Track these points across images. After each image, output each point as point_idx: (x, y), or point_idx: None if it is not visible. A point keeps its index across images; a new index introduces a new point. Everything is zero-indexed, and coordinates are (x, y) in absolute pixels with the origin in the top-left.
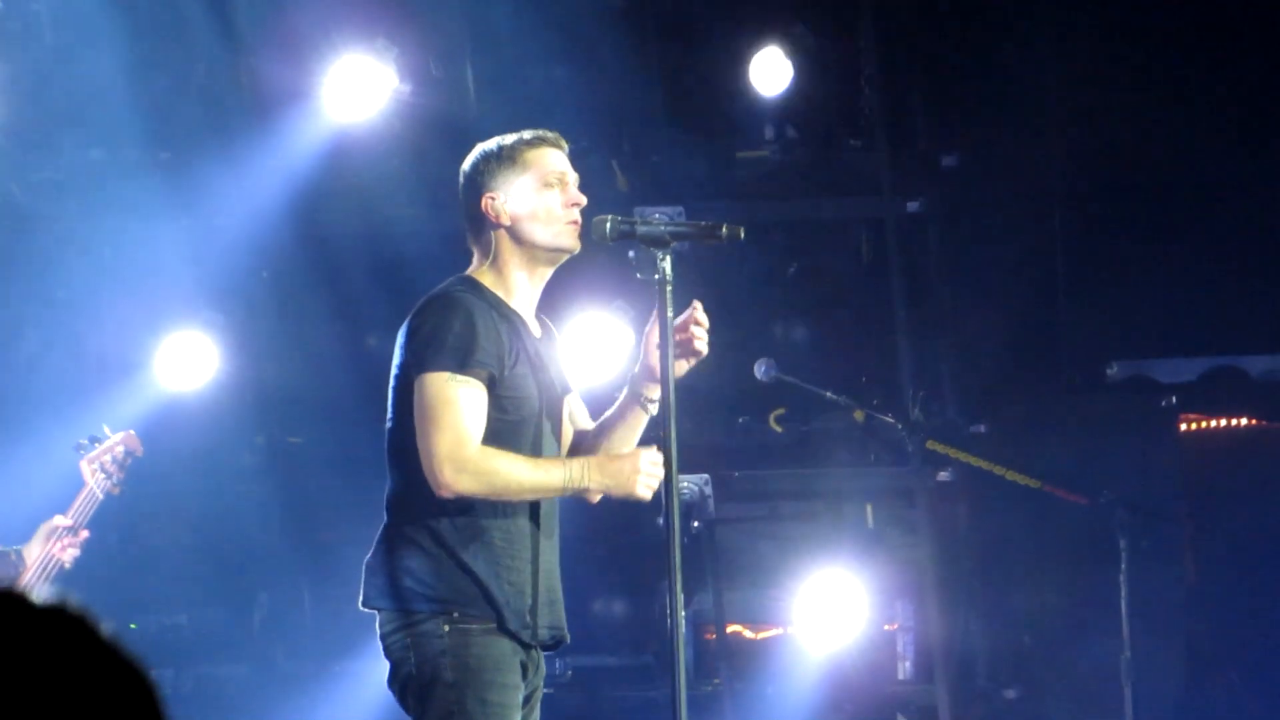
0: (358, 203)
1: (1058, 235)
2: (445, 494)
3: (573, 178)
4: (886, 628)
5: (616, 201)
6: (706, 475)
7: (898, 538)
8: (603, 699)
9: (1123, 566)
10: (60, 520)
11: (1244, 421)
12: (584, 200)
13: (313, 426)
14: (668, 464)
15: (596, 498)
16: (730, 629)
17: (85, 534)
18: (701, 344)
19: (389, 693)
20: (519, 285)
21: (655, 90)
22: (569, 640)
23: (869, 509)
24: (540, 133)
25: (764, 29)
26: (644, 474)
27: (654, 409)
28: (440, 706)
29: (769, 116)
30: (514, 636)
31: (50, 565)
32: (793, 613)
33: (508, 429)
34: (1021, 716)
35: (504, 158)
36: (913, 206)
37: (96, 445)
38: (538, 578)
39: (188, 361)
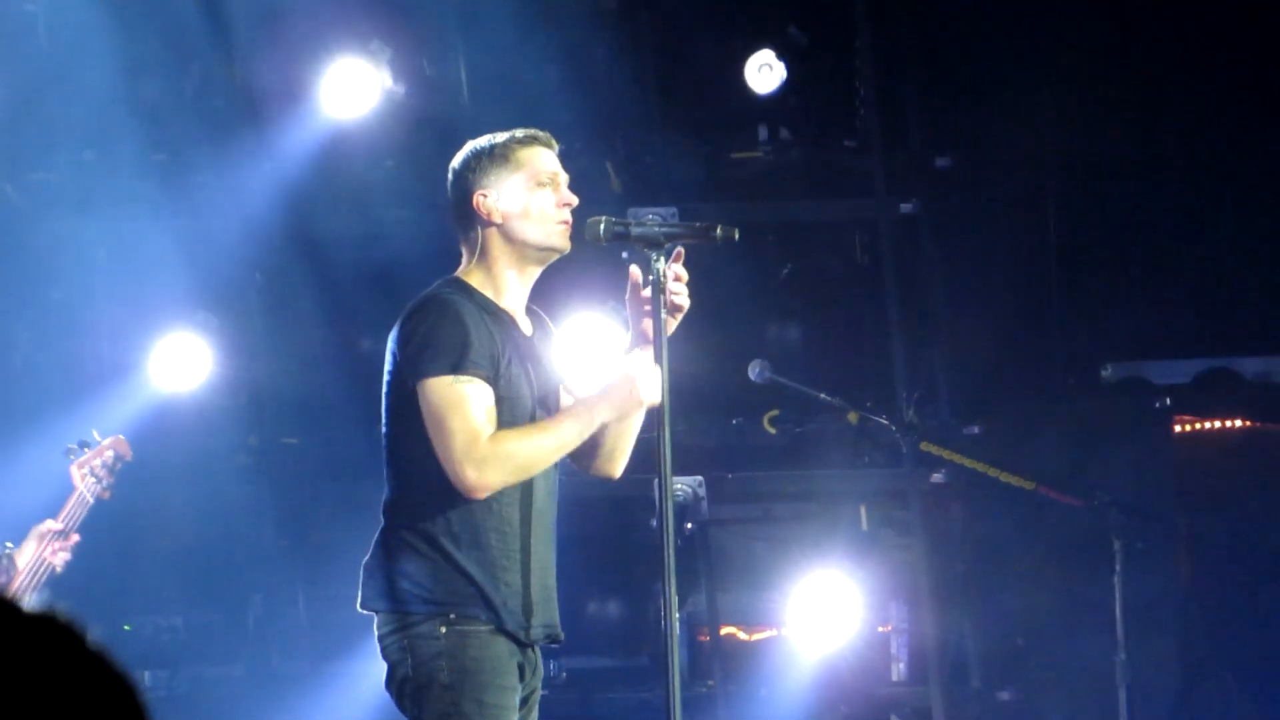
0: (351, 204)
1: (1052, 236)
2: (479, 495)
3: (564, 178)
4: (880, 629)
5: (610, 202)
6: (700, 477)
7: (892, 539)
8: (597, 701)
9: (1117, 568)
10: (51, 524)
11: (1238, 423)
12: (575, 200)
13: (307, 428)
14: (662, 466)
15: (625, 436)
16: (725, 630)
17: (76, 538)
18: (682, 299)
19: (384, 694)
20: (509, 284)
21: (649, 91)
22: (563, 639)
23: (863, 511)
24: (532, 132)
25: (757, 30)
26: (643, 380)
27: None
28: (436, 708)
29: (762, 117)
30: (511, 636)
31: (41, 569)
32: (787, 614)
33: (503, 429)
34: (1016, 718)
35: (496, 155)
36: (906, 208)
37: (86, 450)
38: (532, 576)
39: (182, 363)
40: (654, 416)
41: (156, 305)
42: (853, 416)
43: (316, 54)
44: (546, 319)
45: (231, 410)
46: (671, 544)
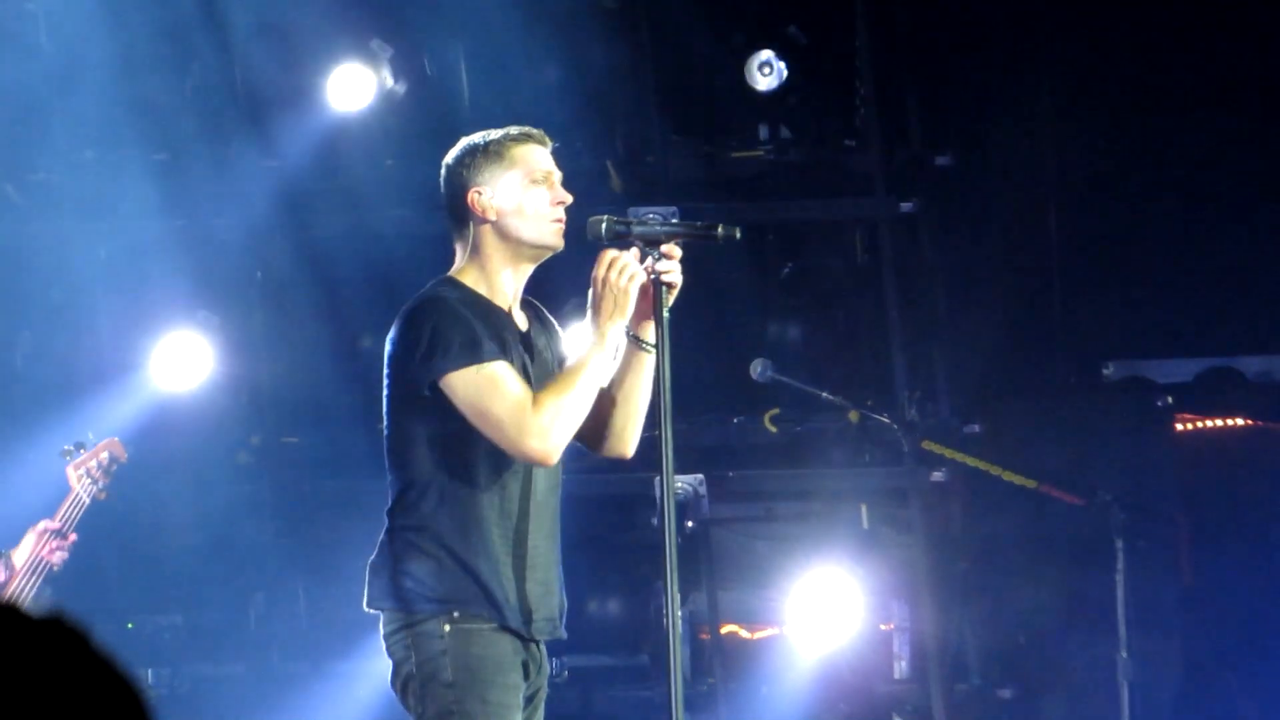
0: (352, 203)
1: (1053, 235)
2: (551, 462)
3: (558, 175)
4: (882, 627)
5: (611, 201)
6: (701, 475)
7: (893, 538)
8: (597, 699)
9: (1119, 567)
10: (48, 523)
11: (1240, 421)
12: (569, 198)
13: (307, 426)
14: (664, 464)
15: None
16: (726, 629)
17: (73, 537)
18: (673, 276)
19: (385, 692)
20: (502, 281)
21: (649, 90)
22: (564, 636)
23: (863, 509)
24: (525, 129)
25: (758, 29)
26: (616, 278)
27: (651, 348)
28: (440, 706)
29: (763, 116)
30: (515, 633)
31: (39, 568)
32: (788, 613)
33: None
34: (1017, 716)
35: (490, 153)
36: (907, 206)
37: (82, 451)
38: (535, 571)
39: (182, 362)
40: (655, 415)
41: (157, 305)
42: (853, 415)
43: (317, 53)
44: (542, 309)
45: (232, 409)
46: (673, 542)
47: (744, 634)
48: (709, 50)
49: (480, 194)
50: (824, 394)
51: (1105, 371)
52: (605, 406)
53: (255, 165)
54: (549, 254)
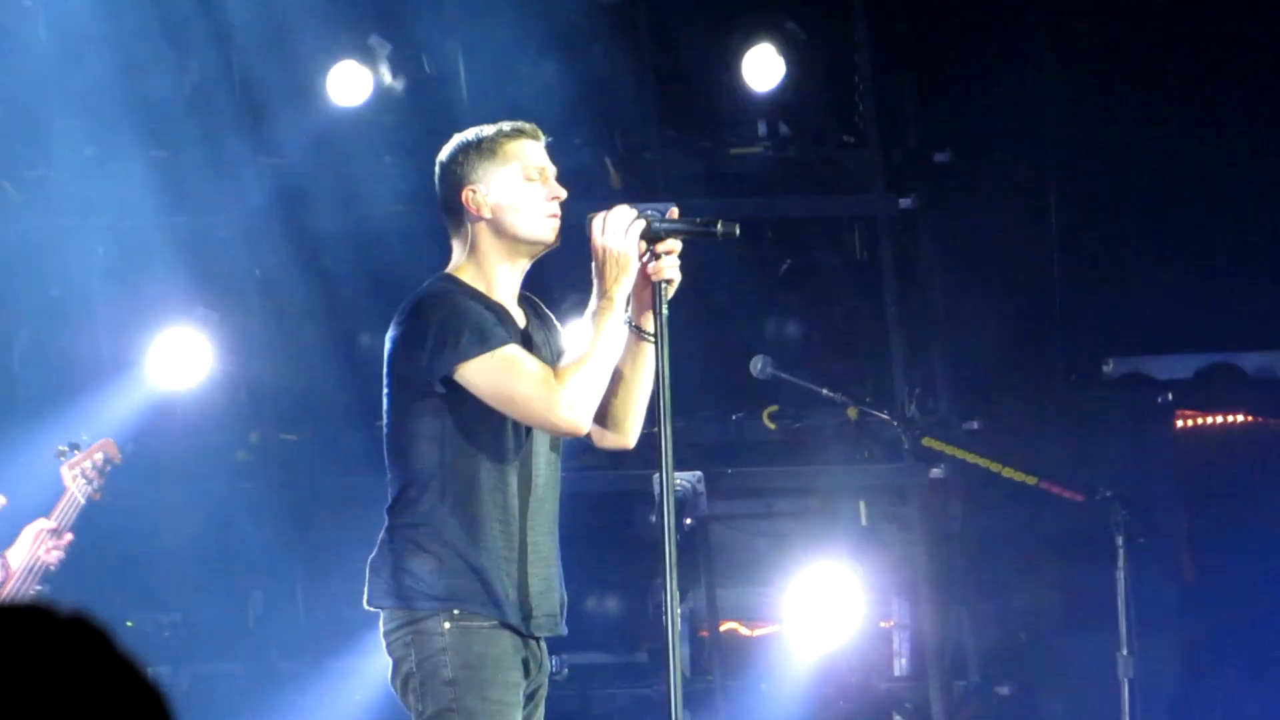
0: (350, 200)
1: (1053, 231)
2: (583, 432)
3: (552, 170)
4: (883, 625)
5: (609, 198)
6: (699, 472)
7: (892, 534)
8: (595, 696)
9: (1119, 563)
10: (44, 523)
11: (1240, 418)
12: (564, 194)
13: (306, 424)
14: (663, 461)
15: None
16: (726, 626)
17: (69, 537)
18: (671, 272)
19: (384, 689)
20: (499, 278)
21: (647, 87)
22: (565, 633)
23: (862, 506)
24: (519, 124)
25: (756, 25)
26: (612, 235)
27: (651, 338)
28: (440, 703)
29: (761, 113)
30: (515, 631)
31: (36, 567)
32: (787, 610)
33: (499, 413)
34: (1017, 714)
35: (484, 150)
36: (905, 203)
37: (76, 452)
38: (534, 567)
39: (181, 359)
40: (654, 412)
41: (155, 302)
42: (852, 412)
43: (315, 51)
44: (540, 304)
45: (231, 406)
46: (672, 539)
47: (744, 631)
48: (707, 46)
49: (475, 192)
50: (824, 390)
51: (1105, 368)
52: (606, 396)
53: (253, 162)
54: (545, 249)
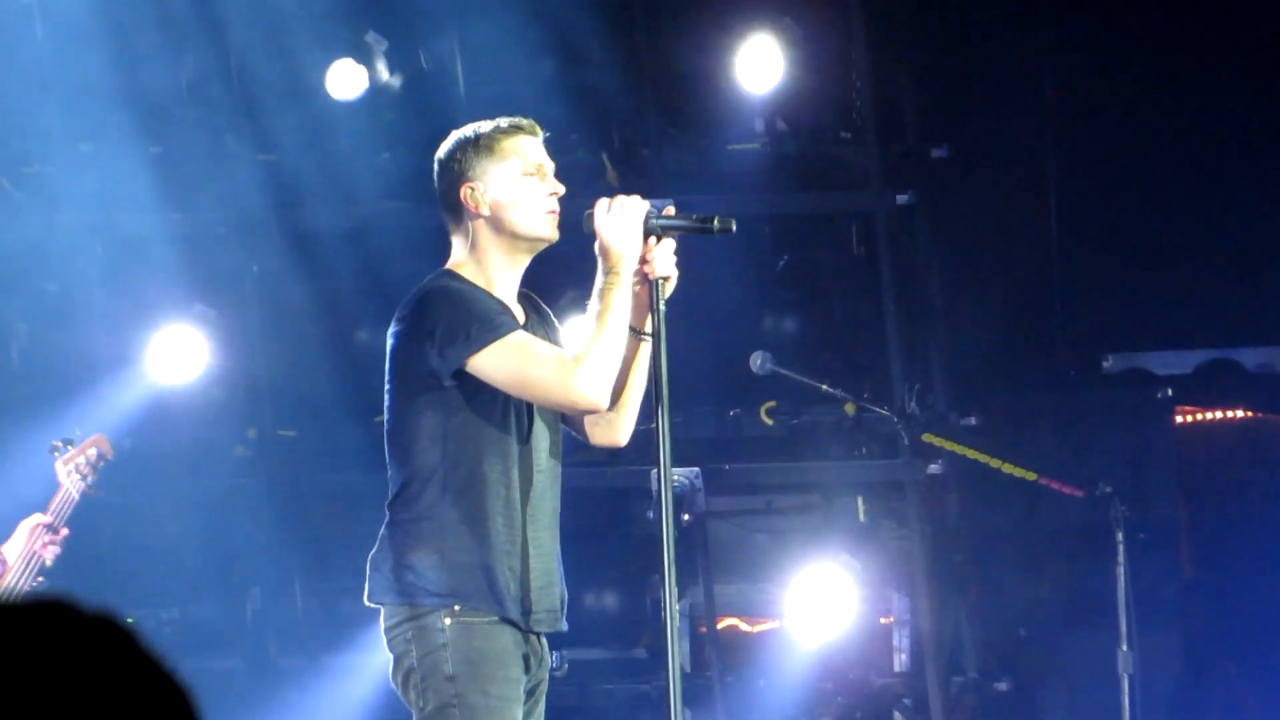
0: (347, 196)
1: (1052, 227)
2: (603, 407)
3: (550, 166)
4: (883, 621)
5: (606, 194)
6: (697, 469)
7: (891, 530)
8: (592, 692)
9: (1119, 559)
10: (40, 518)
11: (1239, 413)
12: (563, 189)
13: (304, 420)
14: (661, 457)
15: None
16: (727, 623)
17: (65, 532)
18: (668, 269)
19: (382, 685)
20: (499, 274)
21: (645, 83)
22: (565, 628)
23: (860, 502)
24: (516, 120)
25: (753, 22)
26: (614, 216)
27: (647, 336)
28: (441, 699)
29: (758, 110)
30: (516, 626)
31: (32, 562)
32: (786, 606)
33: (501, 409)
34: (1016, 709)
35: (482, 146)
36: (903, 199)
37: (70, 448)
38: (536, 562)
39: (178, 356)
40: (651, 408)
41: (153, 299)
42: (849, 408)
43: (312, 47)
44: (539, 301)
45: (229, 403)
46: (671, 535)
47: (744, 627)
48: (705, 43)
49: (474, 189)
50: (824, 386)
51: (1105, 364)
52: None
53: (250, 159)
54: (544, 245)
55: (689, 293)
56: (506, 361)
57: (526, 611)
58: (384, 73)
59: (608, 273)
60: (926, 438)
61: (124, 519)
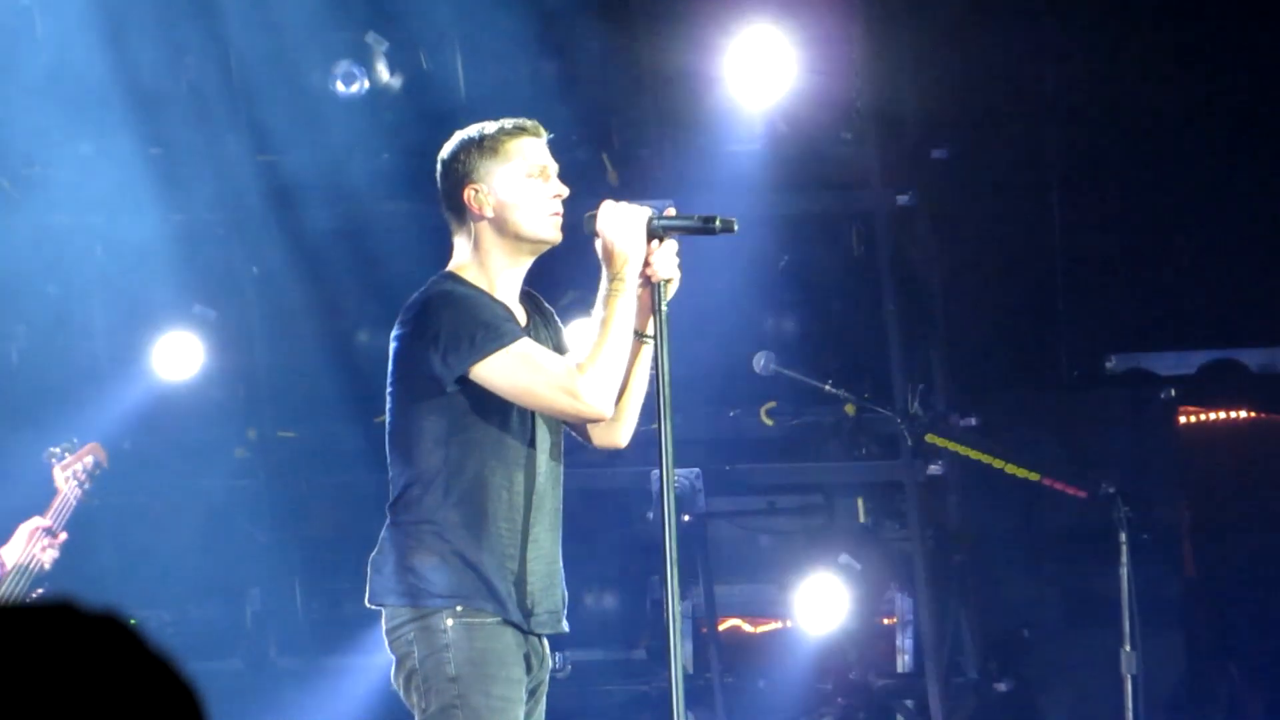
0: (348, 197)
1: (1055, 227)
2: (609, 414)
3: (553, 167)
4: (886, 622)
5: (607, 195)
6: (697, 469)
7: (893, 531)
8: (593, 693)
9: (1122, 559)
10: (40, 521)
11: (1243, 414)
12: (566, 191)
13: (304, 421)
14: (663, 458)
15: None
16: (730, 623)
17: (64, 536)
18: (669, 270)
19: (382, 686)
20: (502, 276)
21: (645, 84)
22: (566, 629)
23: (860, 503)
24: (519, 122)
25: (754, 23)
26: (616, 221)
27: (648, 339)
28: (444, 700)
29: (759, 110)
30: (518, 627)
31: (31, 566)
32: (788, 606)
33: (504, 413)
34: (1018, 710)
35: (485, 148)
36: (903, 200)
37: (67, 454)
38: (538, 564)
39: (178, 357)
40: (652, 408)
41: (152, 300)
42: (849, 408)
43: (312, 47)
44: (541, 300)
45: (228, 404)
46: (673, 536)
47: (747, 628)
48: (705, 43)
49: (477, 190)
50: (827, 386)
51: (1108, 364)
52: None
53: (251, 160)
54: (547, 247)
55: (689, 293)
56: (510, 370)
57: (528, 613)
58: (384, 73)
59: (612, 278)
60: (930, 438)
61: (124, 520)
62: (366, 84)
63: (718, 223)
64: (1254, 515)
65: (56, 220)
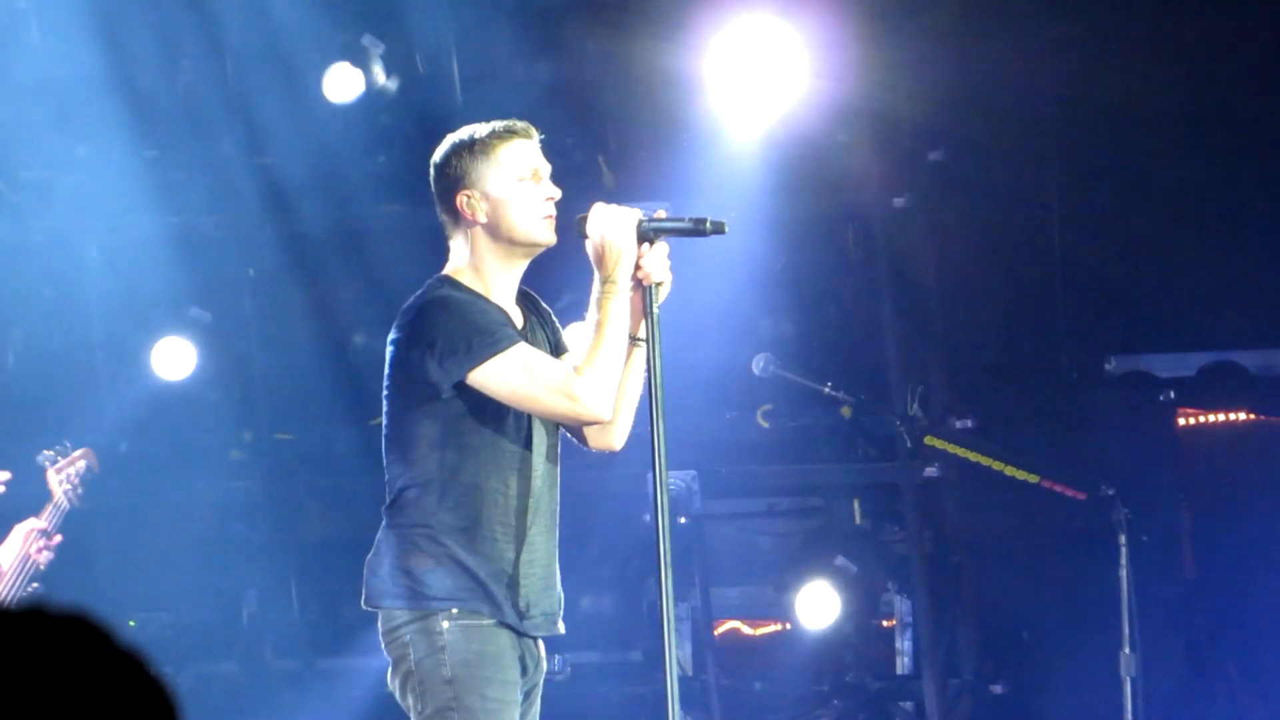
0: (343, 200)
1: (1054, 229)
2: (606, 418)
3: (545, 169)
4: (885, 624)
5: (603, 197)
6: (693, 471)
7: (891, 533)
8: (589, 695)
9: (1121, 561)
10: (35, 522)
11: (1242, 416)
12: (558, 193)
13: (300, 423)
14: (657, 461)
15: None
16: (728, 626)
17: (58, 538)
18: (662, 273)
19: (378, 689)
20: (497, 279)
21: (641, 87)
22: (562, 632)
23: (856, 505)
24: (511, 124)
25: (750, 24)
26: (606, 225)
27: (641, 342)
28: (439, 702)
29: (756, 112)
30: (513, 629)
31: (26, 567)
32: (786, 608)
33: (500, 417)
34: (1017, 712)
35: (477, 151)
36: (899, 202)
37: (60, 458)
38: (534, 566)
39: (174, 359)
40: (647, 410)
41: (149, 302)
42: (846, 410)
43: (308, 50)
44: (538, 299)
45: (225, 406)
46: (667, 538)
47: (745, 630)
48: (700, 44)
49: (470, 195)
50: (826, 388)
51: (1107, 366)
52: None
53: (246, 162)
54: (542, 249)
55: (685, 295)
56: (507, 375)
57: (524, 615)
58: (380, 76)
59: (605, 280)
60: (929, 440)
61: (120, 522)
62: (362, 87)
63: (708, 224)
64: (1253, 517)
65: (52, 223)
